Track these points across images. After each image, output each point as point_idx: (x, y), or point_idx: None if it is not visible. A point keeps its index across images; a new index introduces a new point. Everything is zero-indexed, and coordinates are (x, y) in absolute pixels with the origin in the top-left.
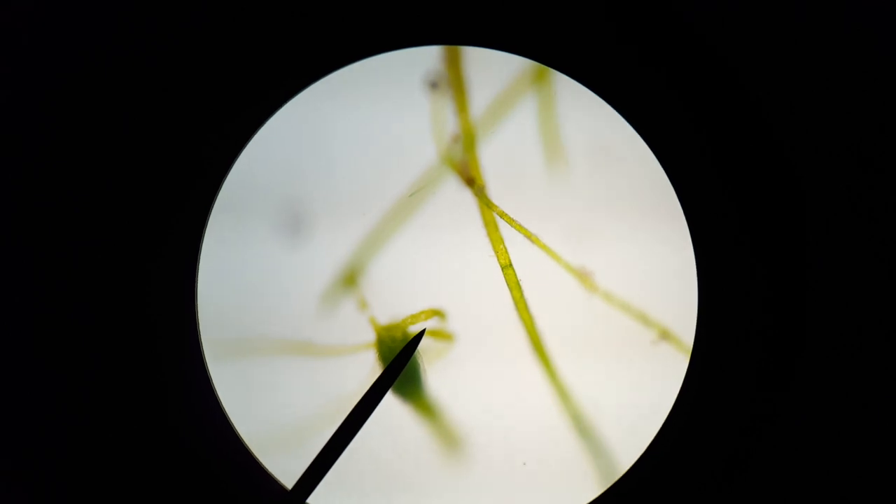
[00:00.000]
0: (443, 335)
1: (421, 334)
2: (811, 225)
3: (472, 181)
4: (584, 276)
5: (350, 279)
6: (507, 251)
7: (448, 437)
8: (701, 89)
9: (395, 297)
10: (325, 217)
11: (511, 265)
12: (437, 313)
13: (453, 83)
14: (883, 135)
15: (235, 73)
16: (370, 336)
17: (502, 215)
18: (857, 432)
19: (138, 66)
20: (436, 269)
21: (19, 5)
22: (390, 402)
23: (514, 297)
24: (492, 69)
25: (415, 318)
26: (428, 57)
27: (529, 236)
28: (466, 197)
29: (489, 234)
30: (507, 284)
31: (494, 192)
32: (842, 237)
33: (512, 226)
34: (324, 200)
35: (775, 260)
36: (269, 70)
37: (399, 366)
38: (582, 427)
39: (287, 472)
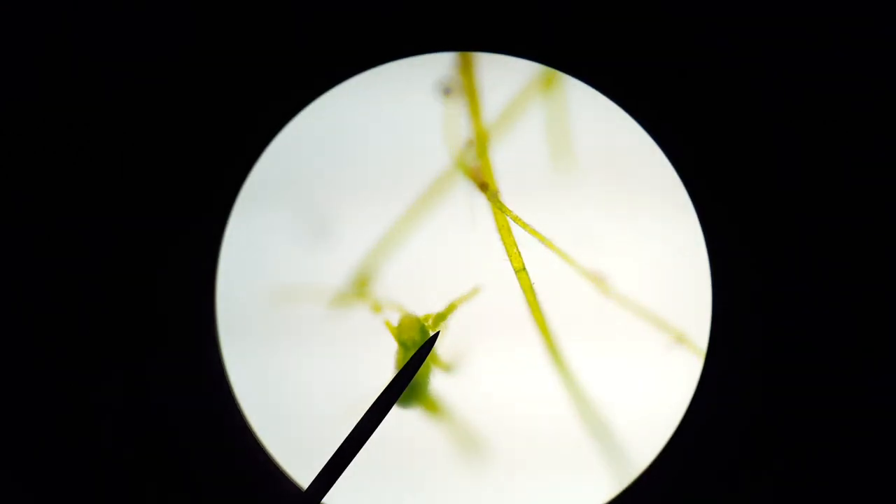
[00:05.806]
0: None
1: (435, 336)
2: (827, 228)
3: (485, 186)
4: (598, 280)
5: (362, 283)
6: (520, 255)
7: (462, 439)
8: (713, 91)
9: (408, 301)
10: (334, 221)
11: (525, 269)
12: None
13: (466, 89)
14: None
15: (245, 80)
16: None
17: (516, 219)
18: (868, 433)
19: (150, 65)
20: (449, 274)
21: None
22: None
23: (528, 301)
24: (504, 74)
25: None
26: (441, 63)
27: (543, 240)
28: (480, 202)
29: (503, 239)
30: (521, 288)
31: (507, 197)
32: (856, 238)
33: (525, 230)
34: (336, 205)
35: (790, 263)
36: (282, 79)
37: (415, 365)
38: (597, 429)
39: (302, 469)
